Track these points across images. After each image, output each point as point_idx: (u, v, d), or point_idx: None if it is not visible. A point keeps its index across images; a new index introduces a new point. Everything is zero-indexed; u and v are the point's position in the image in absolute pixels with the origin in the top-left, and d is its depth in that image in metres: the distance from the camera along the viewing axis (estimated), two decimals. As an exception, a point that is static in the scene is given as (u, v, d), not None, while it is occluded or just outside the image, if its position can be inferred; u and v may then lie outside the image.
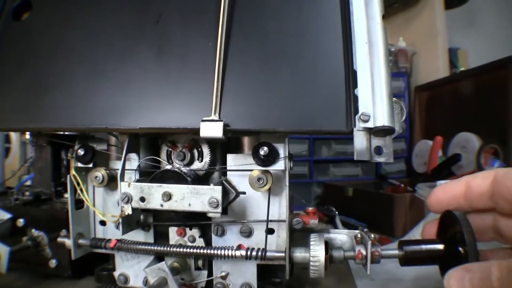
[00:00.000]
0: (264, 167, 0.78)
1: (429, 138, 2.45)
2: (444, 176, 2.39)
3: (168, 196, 0.80)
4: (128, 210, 0.84)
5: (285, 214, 0.81)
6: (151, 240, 0.97)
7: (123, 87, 0.76)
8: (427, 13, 3.04)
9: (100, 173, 0.93)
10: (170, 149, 0.94)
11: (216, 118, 0.75)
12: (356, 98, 0.71)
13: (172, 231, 0.94)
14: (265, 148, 0.75)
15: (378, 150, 0.72)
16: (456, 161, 2.53)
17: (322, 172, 3.11)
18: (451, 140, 2.56)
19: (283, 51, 0.78)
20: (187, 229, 0.92)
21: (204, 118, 0.74)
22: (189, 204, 0.79)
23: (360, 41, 0.72)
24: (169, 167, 0.85)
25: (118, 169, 0.93)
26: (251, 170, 0.80)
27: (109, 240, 0.95)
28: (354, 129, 0.70)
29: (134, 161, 0.95)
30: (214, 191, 0.77)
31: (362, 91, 0.71)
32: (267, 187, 0.79)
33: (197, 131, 0.73)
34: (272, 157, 0.77)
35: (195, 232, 0.91)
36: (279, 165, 0.78)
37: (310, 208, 0.82)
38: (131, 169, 0.93)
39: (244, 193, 0.80)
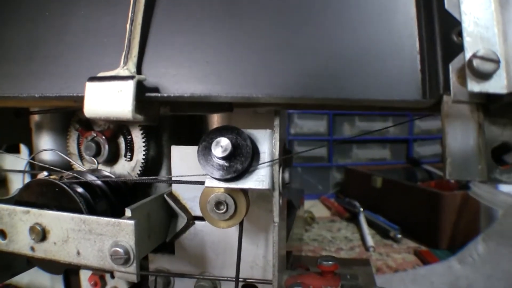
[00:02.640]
0: (227, 182, 0.35)
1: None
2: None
3: (39, 234, 0.40)
4: (-20, 253, 0.44)
5: (273, 272, 0.40)
6: (59, 285, 0.58)
7: None
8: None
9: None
10: (80, 135, 0.53)
11: (127, 72, 0.33)
12: (449, 19, 0.27)
13: (85, 278, 0.54)
14: (224, 142, 0.33)
15: (503, 157, 0.28)
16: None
17: (344, 154, 2.66)
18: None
19: None
20: (108, 276, 0.52)
21: (98, 75, 0.33)
22: (78, 252, 0.39)
23: None
24: (43, 175, 0.43)
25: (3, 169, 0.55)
26: (203, 183, 0.38)
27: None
28: (446, 98, 0.27)
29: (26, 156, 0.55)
30: (120, 230, 0.36)
31: (471, 0, 0.26)
32: (233, 221, 0.38)
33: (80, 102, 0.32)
34: (241, 160, 0.34)
35: (120, 282, 0.51)
36: (259, 178, 0.35)
37: (326, 263, 0.39)
38: (8, 170, 0.53)
39: (203, 219, 0.45)
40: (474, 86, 0.25)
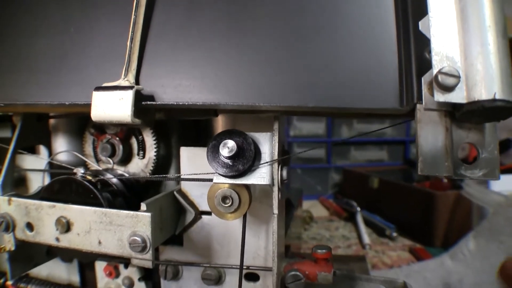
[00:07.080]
0: (232, 178, 0.40)
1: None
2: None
3: (64, 226, 0.45)
4: (9, 244, 0.49)
5: (273, 258, 0.44)
6: (75, 276, 0.63)
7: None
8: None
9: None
10: (95, 139, 0.58)
11: (127, 83, 0.38)
12: (423, 39, 0.33)
13: (100, 268, 0.59)
14: (231, 144, 0.38)
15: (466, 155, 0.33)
16: (505, 148, 2.08)
17: (342, 156, 2.71)
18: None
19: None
20: (122, 266, 0.57)
21: (102, 85, 0.37)
22: (99, 242, 0.43)
23: None
24: (79, 171, 0.48)
25: (26, 169, 0.59)
26: (210, 180, 0.43)
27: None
28: (419, 106, 0.32)
29: (45, 157, 0.60)
30: (138, 222, 0.41)
31: (439, 26, 0.32)
32: (238, 213, 0.43)
33: (87, 109, 0.37)
34: (245, 159, 0.39)
35: (132, 271, 0.56)
36: (261, 175, 0.40)
37: (320, 251, 0.44)
38: (32, 170, 0.58)
39: (210, 213, 0.53)
40: (440, 97, 0.30)
